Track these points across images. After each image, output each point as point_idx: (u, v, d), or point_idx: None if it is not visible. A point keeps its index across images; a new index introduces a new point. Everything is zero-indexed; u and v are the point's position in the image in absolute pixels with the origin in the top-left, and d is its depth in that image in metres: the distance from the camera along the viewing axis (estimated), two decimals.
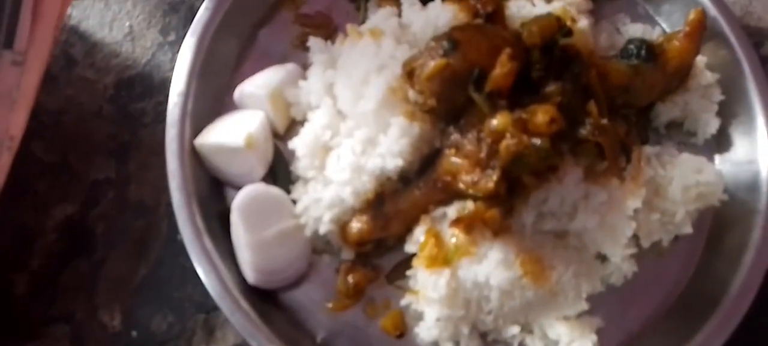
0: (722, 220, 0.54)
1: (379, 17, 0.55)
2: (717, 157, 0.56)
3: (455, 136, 0.47)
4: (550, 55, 0.47)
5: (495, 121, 0.43)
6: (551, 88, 0.47)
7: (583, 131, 0.46)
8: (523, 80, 0.47)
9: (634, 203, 0.48)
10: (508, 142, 0.43)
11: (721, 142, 0.56)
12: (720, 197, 0.52)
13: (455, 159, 0.46)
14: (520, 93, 0.47)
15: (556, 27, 0.47)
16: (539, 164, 0.43)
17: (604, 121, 0.47)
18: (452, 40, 0.45)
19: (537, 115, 0.42)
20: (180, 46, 0.56)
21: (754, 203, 0.52)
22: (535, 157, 0.43)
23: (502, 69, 0.43)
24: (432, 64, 0.44)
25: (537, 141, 0.42)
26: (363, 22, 0.58)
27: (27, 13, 0.49)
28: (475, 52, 0.44)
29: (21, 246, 0.53)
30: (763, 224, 0.50)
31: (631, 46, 0.52)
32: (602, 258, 0.51)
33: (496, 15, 0.50)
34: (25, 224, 0.54)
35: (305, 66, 0.57)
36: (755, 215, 0.51)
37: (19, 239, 0.53)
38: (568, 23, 0.51)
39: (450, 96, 0.45)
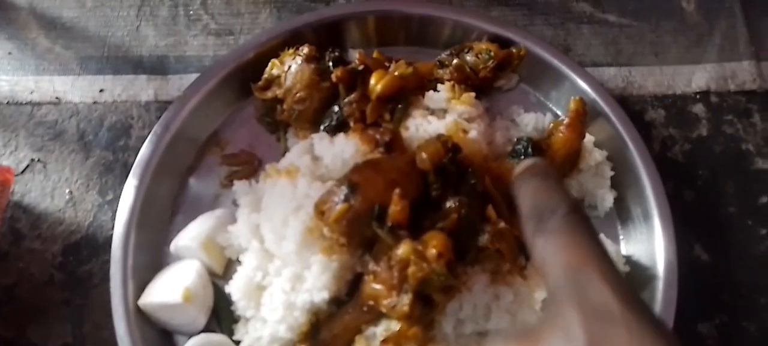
0: (633, 285, 0.58)
1: (295, 154, 0.60)
2: (619, 227, 0.61)
3: (371, 265, 0.51)
4: (443, 175, 0.52)
5: (399, 252, 0.48)
6: (449, 204, 0.51)
7: (483, 240, 0.51)
8: (424, 200, 0.52)
9: (540, 294, 0.52)
10: (412, 270, 0.47)
11: (620, 213, 0.61)
12: (622, 270, 0.57)
13: (374, 285, 0.50)
14: (422, 214, 0.51)
15: (443, 150, 0.51)
16: (443, 285, 0.48)
17: (502, 224, 0.52)
18: (351, 184, 0.49)
19: (428, 248, 0.47)
20: (117, 204, 0.60)
21: (654, 269, 0.56)
22: (438, 281, 0.47)
23: (395, 207, 0.48)
24: (336, 208, 0.49)
25: (437, 268, 0.47)
26: (285, 151, 0.63)
27: None
28: (372, 192, 0.49)
29: None
30: (663, 290, 0.55)
31: (519, 147, 0.58)
32: None
33: (394, 142, 0.55)
34: None
35: (235, 203, 0.61)
36: (656, 281, 0.56)
37: None
38: (460, 135, 0.57)
39: (357, 233, 0.50)
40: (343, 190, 0.49)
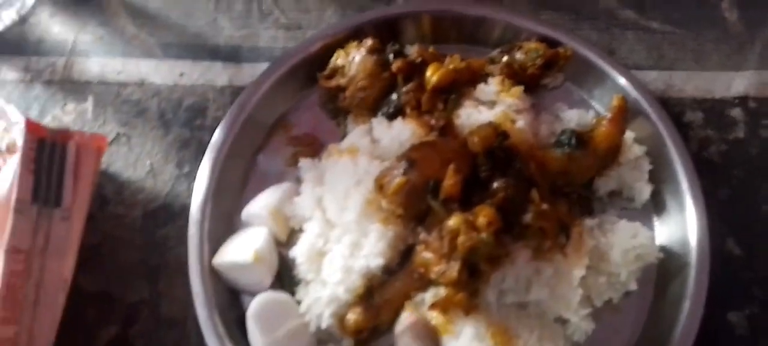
0: (665, 274, 0.62)
1: (355, 136, 0.65)
2: (655, 218, 0.65)
3: (423, 235, 0.56)
4: (492, 158, 0.57)
5: (450, 222, 0.53)
6: (497, 185, 0.56)
7: (527, 218, 0.55)
8: (474, 180, 0.57)
9: (578, 272, 0.56)
10: (462, 239, 0.52)
11: (656, 205, 0.65)
12: (656, 256, 0.61)
13: (425, 254, 0.55)
14: (471, 192, 0.56)
15: (494, 135, 0.56)
16: (490, 254, 0.52)
17: (545, 206, 0.56)
18: (410, 159, 0.54)
19: (479, 217, 0.51)
20: (193, 177, 0.66)
21: (687, 257, 0.60)
22: (485, 249, 0.52)
23: (449, 181, 0.53)
24: (395, 181, 0.54)
25: (484, 236, 0.51)
26: (343, 136, 0.69)
27: (70, 175, 0.60)
28: (428, 168, 0.54)
29: None
30: (695, 276, 0.58)
31: (563, 137, 0.62)
32: (563, 320, 0.59)
33: (447, 128, 0.60)
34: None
35: (299, 180, 0.67)
36: (688, 268, 0.59)
37: None
38: (508, 125, 0.62)
39: (413, 205, 0.55)
40: (402, 165, 0.55)
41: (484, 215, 0.51)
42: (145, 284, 0.65)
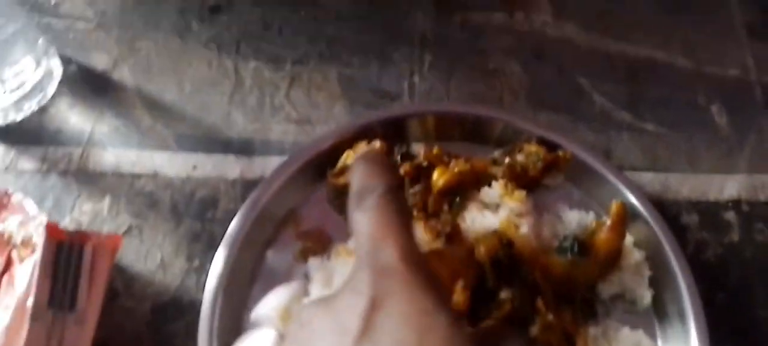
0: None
1: None
2: (657, 325, 0.66)
3: None
4: (498, 267, 0.58)
5: None
6: (503, 295, 0.57)
7: (534, 331, 0.56)
8: (480, 290, 0.58)
9: None
10: None
11: (657, 311, 0.66)
12: None
13: None
14: (479, 301, 0.57)
15: (499, 245, 0.58)
16: None
17: (551, 317, 0.58)
18: None
19: (486, 329, 0.53)
20: (203, 271, 0.67)
21: None
22: None
23: (459, 297, 0.54)
24: None
25: None
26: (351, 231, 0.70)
27: (86, 278, 0.60)
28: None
29: None
30: None
31: (566, 244, 0.63)
32: None
33: (454, 234, 0.62)
34: None
35: (307, 276, 0.68)
36: None
37: None
38: (512, 230, 0.63)
39: None
40: None
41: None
42: None
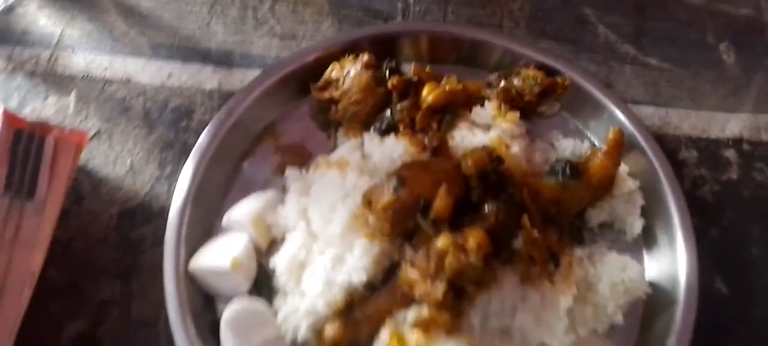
0: (652, 309, 0.63)
1: (346, 149, 0.67)
2: (645, 253, 0.67)
3: (410, 253, 0.57)
4: (485, 181, 0.59)
5: (439, 243, 0.54)
6: (488, 208, 0.58)
7: (517, 244, 0.57)
8: (465, 203, 0.59)
9: (565, 301, 0.58)
10: (450, 260, 0.53)
11: (647, 240, 0.67)
12: (645, 291, 0.62)
13: (410, 272, 0.56)
14: (462, 213, 0.58)
15: (487, 159, 0.58)
16: (477, 278, 0.54)
17: (535, 233, 0.58)
18: (400, 177, 0.56)
19: (468, 240, 0.53)
20: (174, 178, 0.67)
21: (675, 295, 0.61)
22: (473, 273, 0.53)
23: (440, 202, 0.54)
24: (384, 199, 0.56)
25: (473, 260, 0.53)
26: (334, 148, 0.71)
27: (46, 169, 0.60)
28: (420, 187, 0.56)
29: None
30: (682, 315, 0.60)
31: (558, 166, 0.64)
32: None
33: (440, 148, 0.62)
34: (42, 340, 0.62)
35: (284, 189, 0.68)
36: (676, 306, 0.61)
37: None
38: (503, 150, 0.64)
39: (401, 223, 0.56)
40: (393, 182, 0.56)
41: (474, 238, 0.53)
42: (117, 283, 0.66)
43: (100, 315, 0.64)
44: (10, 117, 0.58)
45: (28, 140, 0.59)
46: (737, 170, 0.73)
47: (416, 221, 0.56)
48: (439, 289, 0.54)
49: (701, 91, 0.78)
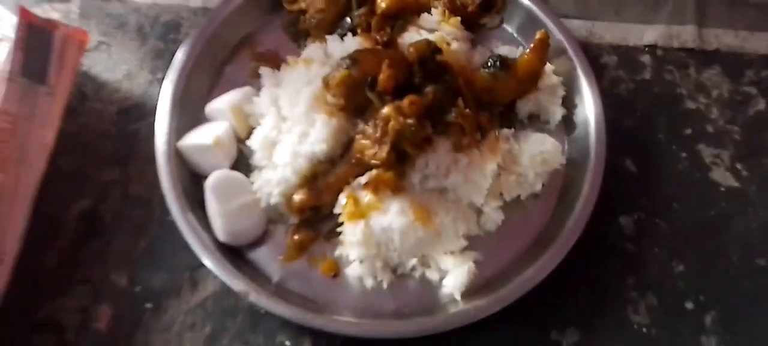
0: (568, 182, 0.74)
1: (311, 50, 0.77)
2: (565, 138, 0.78)
3: (362, 126, 0.68)
4: (425, 67, 0.69)
5: (384, 110, 0.65)
6: (428, 89, 0.68)
7: (450, 116, 0.68)
8: (409, 86, 0.69)
9: (490, 166, 0.69)
10: (392, 123, 0.64)
11: (567, 126, 0.77)
12: (560, 162, 0.73)
13: (362, 141, 0.67)
14: (405, 93, 0.68)
15: (427, 48, 0.68)
16: (415, 138, 0.65)
17: (467, 111, 0.69)
18: (352, 58, 0.67)
19: (404, 102, 0.64)
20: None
21: (586, 168, 0.72)
22: (410, 132, 0.64)
23: (383, 74, 0.65)
24: (338, 75, 0.66)
25: (410, 121, 0.64)
26: None
27: (55, 59, 0.70)
28: (368, 66, 0.66)
29: (49, 232, 0.71)
30: (590, 179, 0.71)
31: (490, 60, 0.74)
32: (478, 210, 0.71)
33: (390, 43, 0.72)
34: (52, 215, 0.72)
35: (258, 89, 0.78)
36: (586, 173, 0.72)
37: (47, 226, 0.71)
38: (444, 46, 0.74)
39: (353, 97, 0.67)
40: (346, 62, 0.67)
41: (409, 101, 0.64)
42: (117, 168, 0.76)
43: (102, 194, 0.74)
44: (25, 12, 0.67)
45: (40, 34, 0.69)
46: (650, 72, 0.84)
47: (366, 95, 0.67)
48: (384, 149, 0.65)
49: (624, 5, 0.88)
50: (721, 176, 0.78)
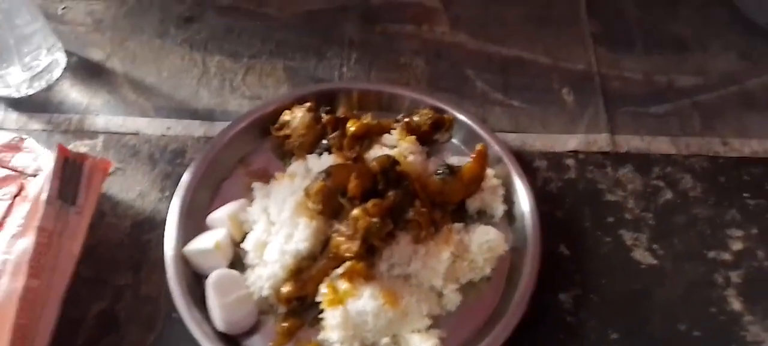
0: (512, 267, 0.85)
1: (295, 166, 0.91)
2: (508, 228, 0.90)
3: (337, 226, 0.81)
4: (387, 176, 0.83)
5: (354, 212, 0.78)
6: (390, 193, 0.82)
7: (409, 214, 0.81)
8: (374, 191, 0.83)
9: (445, 254, 0.81)
10: (361, 222, 0.77)
11: (509, 219, 0.90)
12: (504, 249, 0.86)
13: (338, 238, 0.80)
14: (371, 198, 0.82)
15: (388, 161, 0.83)
16: (380, 233, 0.77)
17: (423, 209, 0.82)
18: (327, 172, 0.81)
19: (369, 204, 0.77)
20: (172, 199, 0.90)
21: (526, 250, 0.85)
22: (376, 229, 0.77)
23: (352, 184, 0.79)
24: (316, 186, 0.80)
25: (376, 220, 0.77)
26: None
27: (84, 184, 0.83)
28: (340, 177, 0.80)
29: (72, 330, 0.79)
30: (530, 262, 0.83)
31: (440, 168, 0.88)
32: (438, 293, 0.83)
33: (358, 158, 0.87)
34: (74, 316, 0.81)
35: (251, 201, 0.91)
36: (526, 257, 0.84)
37: (70, 326, 0.80)
38: (402, 158, 0.89)
39: (329, 203, 0.80)
40: (322, 175, 0.81)
41: (373, 204, 0.77)
42: (130, 273, 0.86)
43: (117, 296, 0.84)
44: (62, 148, 0.81)
45: (73, 164, 0.82)
46: (575, 172, 0.99)
47: (339, 201, 0.80)
48: (356, 244, 0.77)
49: (549, 121, 1.05)
50: (641, 256, 0.91)
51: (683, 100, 1.09)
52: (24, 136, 0.91)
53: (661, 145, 1.03)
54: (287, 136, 0.96)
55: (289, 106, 0.98)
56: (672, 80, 1.12)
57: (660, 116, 1.06)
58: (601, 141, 1.02)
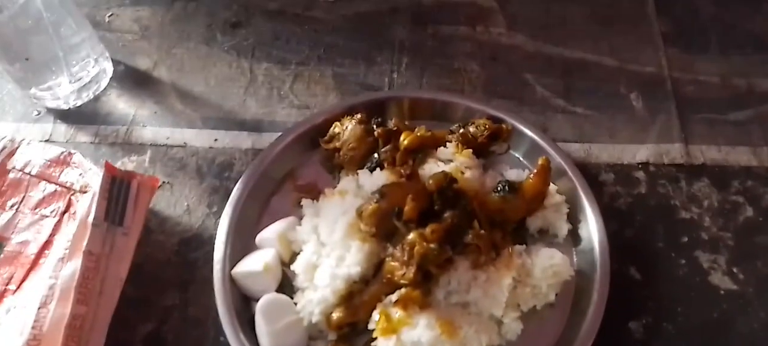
0: (579, 291, 0.78)
1: (345, 183, 0.86)
2: (573, 250, 0.83)
3: (391, 249, 0.75)
4: (443, 196, 0.76)
5: (409, 237, 0.72)
6: (446, 214, 0.76)
7: (468, 238, 0.74)
8: (429, 212, 0.76)
9: (506, 280, 0.74)
10: (417, 248, 0.71)
11: (574, 240, 0.83)
12: (570, 273, 0.78)
13: (392, 263, 0.74)
14: (427, 219, 0.75)
15: (444, 179, 0.76)
16: (437, 260, 0.71)
17: (482, 232, 0.75)
18: (381, 192, 0.75)
19: (427, 230, 0.71)
20: (220, 215, 0.86)
21: (594, 277, 0.77)
22: (433, 255, 0.70)
23: (408, 206, 0.72)
24: (370, 208, 0.74)
25: (432, 246, 0.70)
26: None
27: (131, 204, 0.80)
28: (395, 198, 0.74)
29: None
30: (598, 288, 0.75)
31: (500, 185, 0.81)
32: (498, 321, 0.76)
33: (412, 175, 0.80)
34: (122, 339, 0.78)
35: (301, 218, 0.86)
36: (594, 285, 0.76)
37: None
38: (459, 175, 0.82)
39: (383, 226, 0.74)
40: (375, 196, 0.75)
41: (431, 229, 0.71)
42: (177, 293, 0.83)
43: (164, 317, 0.81)
44: (109, 166, 0.78)
45: (120, 183, 0.79)
46: (645, 186, 0.90)
47: (394, 223, 0.74)
48: (411, 271, 0.71)
49: (616, 129, 0.96)
50: (720, 280, 0.82)
51: (765, 106, 0.98)
52: (72, 151, 0.88)
53: (741, 156, 0.92)
54: (337, 149, 0.90)
55: (338, 117, 0.93)
56: (752, 84, 1.01)
57: (739, 124, 0.96)
58: (673, 152, 0.93)
